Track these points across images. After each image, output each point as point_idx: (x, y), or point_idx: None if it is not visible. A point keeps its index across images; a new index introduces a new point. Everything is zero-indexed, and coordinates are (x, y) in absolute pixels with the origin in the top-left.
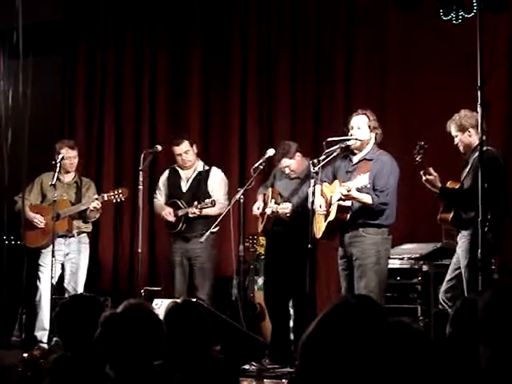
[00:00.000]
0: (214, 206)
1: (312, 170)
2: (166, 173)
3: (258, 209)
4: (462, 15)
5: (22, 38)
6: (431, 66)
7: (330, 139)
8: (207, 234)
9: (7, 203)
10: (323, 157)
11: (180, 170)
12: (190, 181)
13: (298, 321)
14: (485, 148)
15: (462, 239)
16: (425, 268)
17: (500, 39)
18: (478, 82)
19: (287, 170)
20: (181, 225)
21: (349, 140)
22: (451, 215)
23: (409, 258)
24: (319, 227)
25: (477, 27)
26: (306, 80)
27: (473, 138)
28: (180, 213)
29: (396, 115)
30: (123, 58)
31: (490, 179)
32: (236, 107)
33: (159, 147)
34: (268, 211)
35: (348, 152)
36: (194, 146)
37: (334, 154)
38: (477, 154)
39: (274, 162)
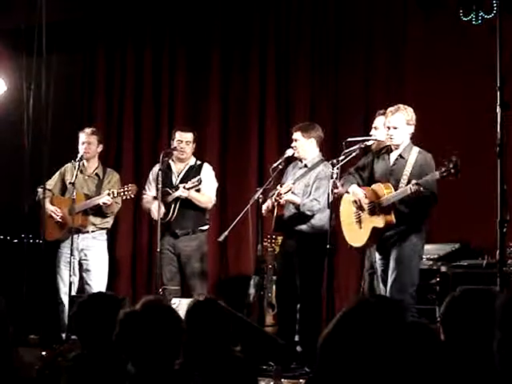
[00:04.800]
0: (200, 183)
1: (331, 170)
2: (157, 166)
3: (268, 207)
4: (481, 16)
5: (41, 36)
6: (451, 66)
7: (349, 139)
8: (225, 233)
9: (29, 200)
10: (342, 157)
11: (172, 164)
12: (182, 175)
13: (303, 323)
14: (419, 149)
15: (402, 234)
16: (443, 269)
17: None
18: (498, 82)
19: (293, 144)
20: (171, 212)
21: (368, 140)
22: (392, 217)
23: (427, 259)
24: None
25: (497, 27)
26: (325, 80)
27: (407, 136)
28: (170, 199)
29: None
30: (143, 56)
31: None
32: (255, 107)
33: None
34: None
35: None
36: (195, 144)
37: (353, 154)
38: (415, 154)
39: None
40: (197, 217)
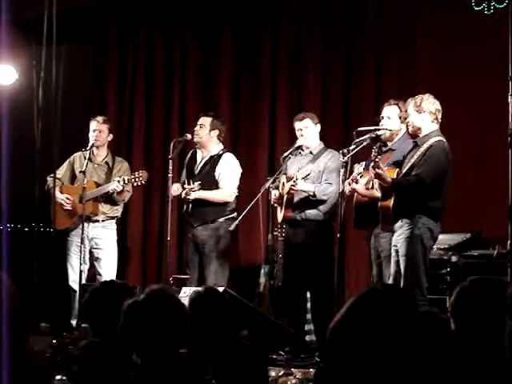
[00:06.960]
0: (198, 190)
1: (342, 159)
2: (189, 154)
3: (275, 195)
4: (493, 5)
5: (52, 24)
6: (463, 56)
7: (360, 129)
8: (236, 222)
9: (38, 189)
10: (353, 146)
11: (198, 152)
12: (202, 164)
13: (316, 312)
14: (439, 138)
15: (404, 227)
16: (454, 259)
17: None
18: (510, 71)
19: (302, 132)
20: (185, 206)
21: (379, 130)
22: (392, 203)
23: (438, 249)
24: None
25: (509, 17)
26: (336, 70)
27: (425, 124)
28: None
29: None
30: (154, 45)
31: (434, 169)
32: (266, 96)
33: (189, 136)
34: (286, 187)
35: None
36: (213, 131)
37: (364, 143)
38: (430, 142)
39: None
40: (215, 209)
